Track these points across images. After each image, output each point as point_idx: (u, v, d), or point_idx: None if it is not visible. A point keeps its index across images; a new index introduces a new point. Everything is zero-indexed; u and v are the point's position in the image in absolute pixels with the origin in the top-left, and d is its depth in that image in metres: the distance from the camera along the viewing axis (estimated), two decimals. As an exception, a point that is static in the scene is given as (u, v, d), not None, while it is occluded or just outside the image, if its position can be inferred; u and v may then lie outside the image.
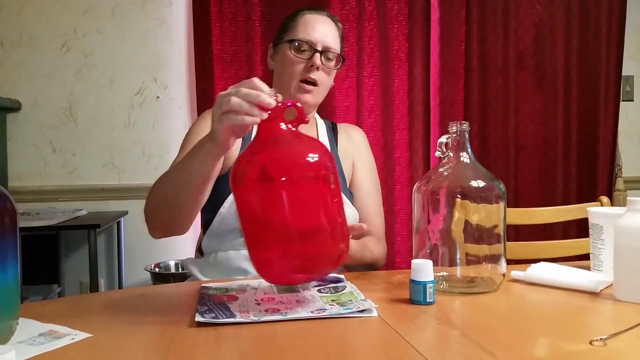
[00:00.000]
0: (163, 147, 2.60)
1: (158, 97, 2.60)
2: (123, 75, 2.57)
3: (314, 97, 1.22)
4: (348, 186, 1.31)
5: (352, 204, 1.27)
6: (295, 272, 0.81)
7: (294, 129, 0.82)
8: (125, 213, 2.54)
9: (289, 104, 0.81)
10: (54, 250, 2.48)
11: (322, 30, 1.22)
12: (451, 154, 0.97)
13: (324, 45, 1.21)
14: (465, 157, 0.96)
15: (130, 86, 2.58)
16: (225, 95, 0.81)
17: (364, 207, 1.29)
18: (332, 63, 1.23)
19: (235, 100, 0.79)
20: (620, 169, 2.86)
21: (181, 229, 1.02)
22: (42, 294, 2.47)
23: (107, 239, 2.60)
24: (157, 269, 2.48)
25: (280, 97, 0.81)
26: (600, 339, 0.68)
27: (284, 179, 0.76)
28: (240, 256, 1.13)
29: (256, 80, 0.82)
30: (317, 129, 1.32)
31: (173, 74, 2.61)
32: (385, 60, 2.63)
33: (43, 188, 2.52)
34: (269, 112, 0.79)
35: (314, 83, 1.20)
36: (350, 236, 0.92)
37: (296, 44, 1.19)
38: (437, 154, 0.98)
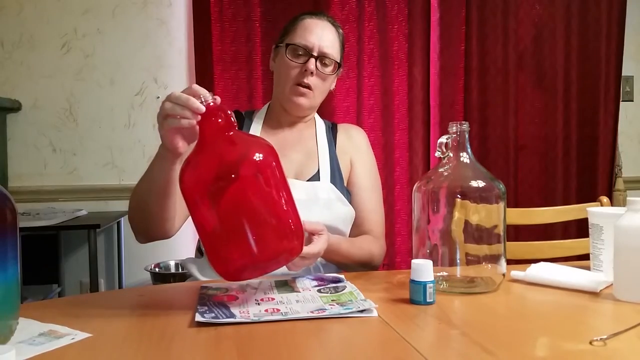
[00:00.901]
0: (163, 147, 2.59)
1: (158, 97, 2.60)
2: (123, 75, 2.57)
3: (308, 100, 1.23)
4: (345, 184, 1.31)
5: (350, 202, 1.27)
6: (242, 269, 0.83)
7: (231, 132, 0.84)
8: (125, 213, 2.53)
9: (219, 108, 0.85)
10: (54, 250, 2.48)
11: (320, 35, 1.22)
12: (451, 154, 0.97)
13: (321, 51, 1.21)
14: (465, 157, 0.96)
15: (131, 86, 2.58)
16: (163, 102, 0.87)
17: (361, 204, 1.28)
18: (329, 69, 1.23)
19: (168, 105, 0.85)
20: (620, 169, 2.86)
21: (161, 233, 1.06)
22: (42, 294, 2.47)
23: (107, 239, 2.60)
24: (157, 269, 2.48)
25: (218, 100, 0.85)
26: (600, 338, 0.68)
27: (218, 179, 0.80)
28: None
29: (194, 86, 0.86)
30: (316, 129, 1.32)
31: (173, 74, 2.61)
32: (385, 61, 2.63)
33: (43, 188, 2.52)
34: (203, 115, 0.83)
35: (307, 87, 1.21)
36: (307, 234, 0.94)
37: (292, 48, 1.21)
38: (437, 154, 0.98)
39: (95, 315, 0.81)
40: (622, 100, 2.92)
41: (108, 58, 2.56)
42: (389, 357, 0.65)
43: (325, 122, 1.36)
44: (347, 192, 1.29)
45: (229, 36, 2.51)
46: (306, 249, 0.93)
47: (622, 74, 2.86)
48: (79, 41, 2.54)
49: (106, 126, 2.57)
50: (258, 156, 0.81)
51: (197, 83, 2.52)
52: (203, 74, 2.52)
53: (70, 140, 2.55)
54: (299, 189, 1.18)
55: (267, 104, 1.34)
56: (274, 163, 0.83)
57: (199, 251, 1.26)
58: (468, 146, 0.97)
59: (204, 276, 1.16)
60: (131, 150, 2.59)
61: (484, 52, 2.70)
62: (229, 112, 0.84)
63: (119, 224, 2.54)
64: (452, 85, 2.68)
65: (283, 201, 0.83)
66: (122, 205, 2.56)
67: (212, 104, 0.84)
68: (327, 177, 1.24)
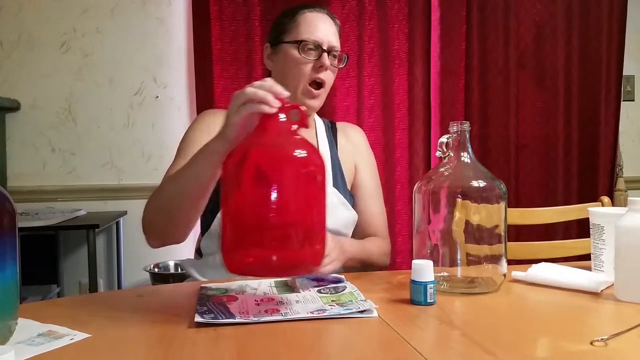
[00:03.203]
0: (162, 147, 2.59)
1: (157, 96, 2.60)
2: (122, 75, 2.57)
3: (320, 101, 1.22)
4: (349, 188, 1.30)
5: (353, 206, 1.27)
6: (253, 265, 0.80)
7: (294, 127, 0.83)
8: (124, 213, 2.53)
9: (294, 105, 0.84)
10: (53, 250, 2.48)
11: (324, 29, 1.20)
12: (452, 154, 0.96)
13: (329, 45, 1.19)
14: (465, 157, 0.96)
15: (130, 86, 2.58)
16: (241, 91, 0.84)
17: (366, 208, 1.28)
18: (336, 61, 1.22)
19: (250, 90, 0.82)
20: (621, 169, 2.86)
21: (181, 237, 1.03)
22: (41, 294, 2.47)
23: (106, 239, 2.60)
24: (156, 269, 2.48)
25: (287, 94, 0.84)
26: (601, 339, 0.67)
27: (271, 169, 0.77)
28: None
29: (270, 79, 0.84)
30: (316, 129, 1.31)
31: (172, 73, 2.61)
32: (385, 60, 2.63)
33: (42, 188, 2.52)
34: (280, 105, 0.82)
35: (321, 84, 1.19)
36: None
37: (303, 44, 1.17)
38: (438, 153, 0.97)
39: (94, 315, 0.81)
40: (623, 100, 2.92)
41: (107, 57, 2.55)
42: (389, 358, 0.65)
43: (324, 122, 1.35)
44: (350, 195, 1.28)
45: (228, 35, 2.51)
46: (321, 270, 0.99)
47: (623, 74, 2.86)
48: (78, 41, 2.53)
49: (105, 126, 2.57)
50: (317, 158, 0.80)
51: (196, 82, 2.53)
52: (202, 73, 2.51)
53: (69, 140, 2.54)
54: None
55: None
56: (325, 174, 0.82)
57: (198, 252, 1.26)
58: (469, 146, 0.96)
59: (203, 277, 1.15)
60: (130, 150, 2.58)
61: (484, 51, 2.70)
62: (302, 108, 0.84)
63: (118, 224, 2.54)
64: (452, 84, 2.68)
65: (322, 217, 0.81)
66: (121, 205, 2.56)
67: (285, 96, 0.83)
68: (329, 181, 1.24)
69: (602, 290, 0.92)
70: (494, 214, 0.93)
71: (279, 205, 0.76)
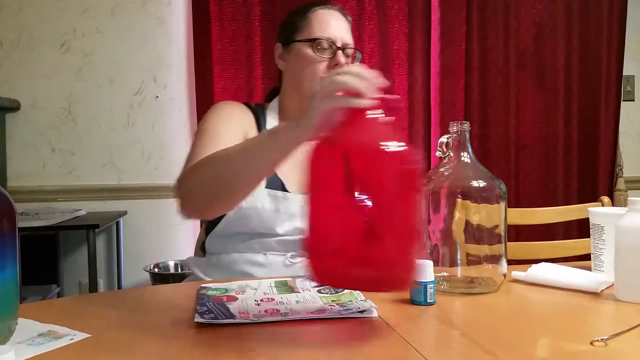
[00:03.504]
0: (162, 146, 2.59)
1: (157, 96, 2.60)
2: (122, 75, 2.57)
3: None
4: None
5: None
6: (352, 276, 0.70)
7: (387, 121, 0.75)
8: (124, 213, 2.53)
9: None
10: (53, 250, 2.48)
11: (337, 26, 1.18)
12: (452, 154, 0.96)
13: (343, 42, 1.17)
14: (465, 157, 0.96)
15: (130, 86, 2.58)
16: (335, 75, 0.75)
17: None
18: (350, 59, 1.19)
19: (344, 79, 0.74)
20: (621, 169, 2.86)
21: (220, 213, 1.03)
22: (41, 294, 2.47)
23: (106, 239, 2.60)
24: (156, 269, 2.48)
25: (388, 83, 0.78)
26: (601, 339, 0.67)
27: (373, 172, 0.69)
28: (243, 259, 1.12)
29: (359, 65, 0.77)
30: None
31: (172, 73, 2.61)
32: (385, 60, 2.63)
33: (42, 188, 2.52)
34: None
35: None
36: None
37: (317, 42, 1.15)
38: (438, 153, 0.97)
39: (94, 315, 0.81)
40: (623, 100, 2.92)
41: (107, 57, 2.55)
42: (389, 358, 0.65)
43: None
44: None
45: (228, 35, 2.51)
46: None
47: (623, 74, 2.86)
48: (78, 41, 2.54)
49: (105, 126, 2.57)
50: (418, 157, 0.71)
51: (196, 82, 2.54)
52: (202, 73, 2.52)
53: (69, 140, 2.54)
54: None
55: (275, 100, 1.26)
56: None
57: (202, 250, 1.24)
58: (469, 146, 0.96)
59: (206, 275, 1.15)
60: (130, 150, 2.58)
61: (484, 51, 2.70)
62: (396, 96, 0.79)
63: (118, 224, 2.54)
64: (452, 84, 2.68)
65: (420, 226, 0.74)
66: (121, 205, 2.56)
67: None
68: None
69: (602, 290, 0.92)
70: (494, 214, 0.93)
71: (379, 210, 0.69)
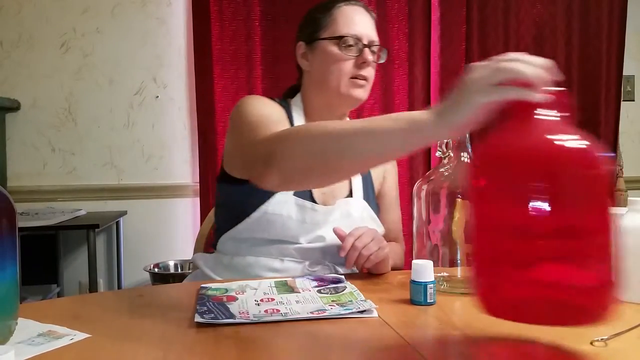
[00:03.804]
0: (162, 146, 2.59)
1: (157, 96, 2.60)
2: (122, 75, 2.57)
3: (366, 91, 1.15)
4: (376, 195, 1.26)
5: (377, 215, 1.22)
6: (537, 308, 0.58)
7: (564, 115, 0.64)
8: (124, 213, 2.53)
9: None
10: (53, 250, 2.48)
11: (363, 22, 1.14)
12: (452, 154, 0.96)
13: (369, 39, 1.14)
14: (465, 157, 0.96)
15: (130, 86, 2.58)
16: (500, 62, 0.63)
17: (388, 216, 1.27)
18: (375, 57, 1.16)
19: (514, 66, 0.62)
20: (621, 169, 2.86)
21: (312, 186, 1.00)
22: (41, 294, 2.47)
23: (106, 239, 2.60)
24: (156, 269, 2.48)
25: (562, 76, 0.67)
26: (601, 339, 0.67)
27: (558, 174, 0.58)
28: (259, 264, 1.09)
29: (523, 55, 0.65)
30: None
31: (172, 73, 2.61)
32: (385, 60, 2.63)
33: (42, 188, 2.52)
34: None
35: (364, 79, 1.13)
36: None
37: (343, 40, 1.11)
38: (438, 154, 0.97)
39: (94, 315, 0.81)
40: (623, 100, 2.92)
41: (107, 57, 2.55)
42: (389, 358, 0.65)
43: None
44: (376, 204, 1.25)
45: (228, 35, 2.51)
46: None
47: (623, 74, 2.86)
48: (78, 40, 2.54)
49: (105, 126, 2.57)
50: (608, 159, 0.62)
51: (196, 82, 2.53)
52: (202, 73, 2.52)
53: (69, 139, 2.54)
54: (354, 207, 1.15)
55: (298, 97, 1.21)
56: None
57: (213, 246, 1.20)
58: (469, 146, 0.96)
59: (214, 273, 1.12)
60: (130, 150, 2.58)
61: (484, 51, 2.70)
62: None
63: (118, 223, 2.54)
64: (453, 84, 2.68)
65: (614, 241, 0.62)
66: (121, 205, 2.56)
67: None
68: (360, 194, 1.20)
69: (602, 291, 0.92)
70: (494, 214, 0.93)
71: (571, 224, 0.58)
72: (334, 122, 0.79)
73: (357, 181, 1.21)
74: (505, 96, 0.62)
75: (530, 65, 0.63)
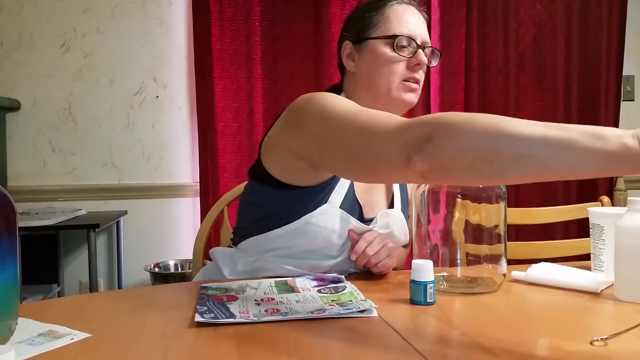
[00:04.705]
0: (163, 146, 2.59)
1: (158, 96, 2.60)
2: (123, 75, 2.57)
3: (417, 95, 1.09)
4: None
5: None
6: None
7: None
8: (124, 213, 2.53)
9: None
10: (53, 250, 2.48)
11: (417, 22, 1.09)
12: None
13: (423, 40, 1.09)
14: (465, 157, 0.96)
15: (130, 86, 2.58)
16: None
17: (409, 222, 1.21)
18: (428, 59, 1.10)
19: None
20: (620, 169, 2.86)
21: (468, 183, 0.88)
22: (41, 294, 2.47)
23: (106, 239, 2.60)
24: (156, 269, 2.48)
25: None
26: (601, 339, 0.67)
27: None
28: (279, 273, 1.06)
29: None
30: None
31: (173, 73, 2.61)
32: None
33: (42, 188, 2.52)
34: None
35: (417, 82, 1.08)
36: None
37: (398, 40, 1.05)
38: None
39: (94, 315, 0.81)
40: (623, 100, 2.92)
41: (107, 57, 2.56)
42: (389, 358, 0.65)
43: None
44: (408, 215, 1.20)
45: (228, 35, 2.51)
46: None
47: (623, 74, 2.86)
48: (79, 41, 2.54)
49: (105, 126, 2.57)
50: None
51: (196, 82, 2.54)
52: (203, 73, 2.52)
53: (69, 139, 2.54)
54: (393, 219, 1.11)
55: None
56: None
57: (234, 243, 1.15)
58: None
59: (229, 270, 1.08)
60: (130, 150, 2.59)
61: (484, 51, 2.70)
62: None
63: (118, 223, 2.54)
64: (452, 84, 2.68)
65: None
66: (122, 205, 2.56)
67: None
68: (399, 204, 1.16)
69: (601, 290, 0.92)
70: (493, 214, 0.93)
71: None
72: (507, 119, 0.69)
73: (397, 191, 1.17)
74: None
75: None
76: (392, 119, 0.80)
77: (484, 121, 0.70)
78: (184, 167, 2.61)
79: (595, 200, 1.51)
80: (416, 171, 0.73)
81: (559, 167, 0.64)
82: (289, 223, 1.03)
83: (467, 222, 0.93)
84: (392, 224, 1.11)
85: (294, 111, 0.99)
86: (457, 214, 0.93)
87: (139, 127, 2.59)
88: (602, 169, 0.61)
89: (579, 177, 0.66)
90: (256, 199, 1.10)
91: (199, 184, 2.54)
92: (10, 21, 2.49)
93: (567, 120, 2.77)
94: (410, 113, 2.88)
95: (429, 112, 2.68)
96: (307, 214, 1.02)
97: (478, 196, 0.93)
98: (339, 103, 0.91)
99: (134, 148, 2.59)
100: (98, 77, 2.56)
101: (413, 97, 1.08)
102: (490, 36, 2.71)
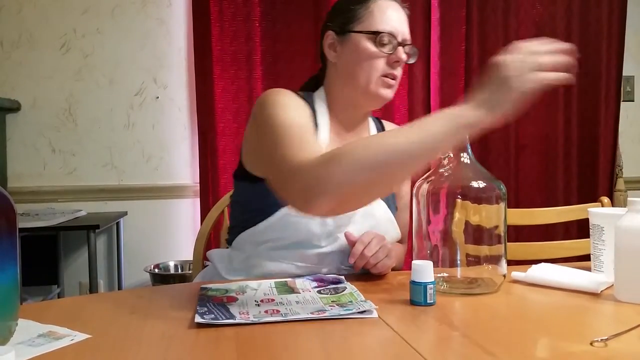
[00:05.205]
0: (163, 147, 2.59)
1: (158, 97, 2.60)
2: (123, 75, 2.57)
3: (393, 91, 1.11)
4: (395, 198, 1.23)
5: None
6: None
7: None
8: (124, 214, 2.53)
9: None
10: (53, 251, 2.48)
11: (399, 19, 1.11)
12: (451, 155, 0.96)
13: (403, 37, 1.10)
14: (465, 158, 0.96)
15: (130, 86, 2.58)
16: (531, 53, 0.77)
17: (400, 219, 1.22)
18: (409, 58, 1.12)
19: (547, 57, 0.75)
20: (620, 170, 2.86)
21: (363, 204, 0.90)
22: (41, 295, 2.47)
23: (106, 240, 2.60)
24: (156, 270, 2.48)
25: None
26: (601, 339, 0.67)
27: None
28: (273, 267, 1.07)
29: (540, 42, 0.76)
30: (369, 132, 1.21)
31: (173, 74, 2.61)
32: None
33: (42, 188, 2.52)
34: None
35: (394, 78, 1.10)
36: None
37: (380, 36, 1.07)
38: (438, 154, 0.97)
39: (94, 316, 0.81)
40: (623, 101, 2.92)
41: (107, 58, 2.56)
42: (389, 359, 0.65)
43: (373, 121, 1.24)
44: (395, 207, 1.22)
45: (228, 35, 2.51)
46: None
47: (623, 74, 2.86)
48: (78, 41, 2.54)
49: (105, 126, 2.57)
50: None
51: (196, 83, 2.54)
52: (203, 73, 2.52)
53: (69, 140, 2.54)
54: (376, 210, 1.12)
55: (321, 90, 1.16)
56: None
57: (228, 243, 1.17)
58: (468, 146, 0.96)
59: (227, 271, 1.09)
60: (130, 151, 2.58)
61: (484, 51, 2.70)
62: None
63: (118, 224, 2.54)
64: (452, 85, 2.68)
65: None
66: (122, 205, 2.56)
67: None
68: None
69: (601, 291, 0.92)
70: (493, 215, 0.93)
71: None
72: (385, 135, 0.82)
73: None
74: (545, 81, 0.71)
75: (552, 53, 0.72)
76: (299, 143, 0.89)
77: (368, 143, 0.82)
78: (184, 168, 2.61)
79: (595, 201, 1.51)
80: (321, 210, 0.81)
81: (429, 154, 0.79)
82: (271, 215, 1.06)
83: (467, 223, 0.93)
84: (375, 211, 1.12)
85: (254, 108, 1.05)
86: (457, 215, 0.93)
87: (139, 127, 2.59)
88: (456, 139, 0.78)
89: (443, 149, 0.83)
90: (241, 197, 1.14)
91: (199, 184, 2.54)
92: (10, 21, 2.49)
93: (567, 120, 2.77)
94: (410, 112, 2.87)
95: (429, 112, 2.68)
96: (285, 206, 1.04)
97: (478, 197, 0.93)
98: (277, 112, 0.98)
99: (134, 149, 2.59)
100: (98, 77, 2.56)
101: (389, 93, 1.11)
102: (490, 36, 2.71)
